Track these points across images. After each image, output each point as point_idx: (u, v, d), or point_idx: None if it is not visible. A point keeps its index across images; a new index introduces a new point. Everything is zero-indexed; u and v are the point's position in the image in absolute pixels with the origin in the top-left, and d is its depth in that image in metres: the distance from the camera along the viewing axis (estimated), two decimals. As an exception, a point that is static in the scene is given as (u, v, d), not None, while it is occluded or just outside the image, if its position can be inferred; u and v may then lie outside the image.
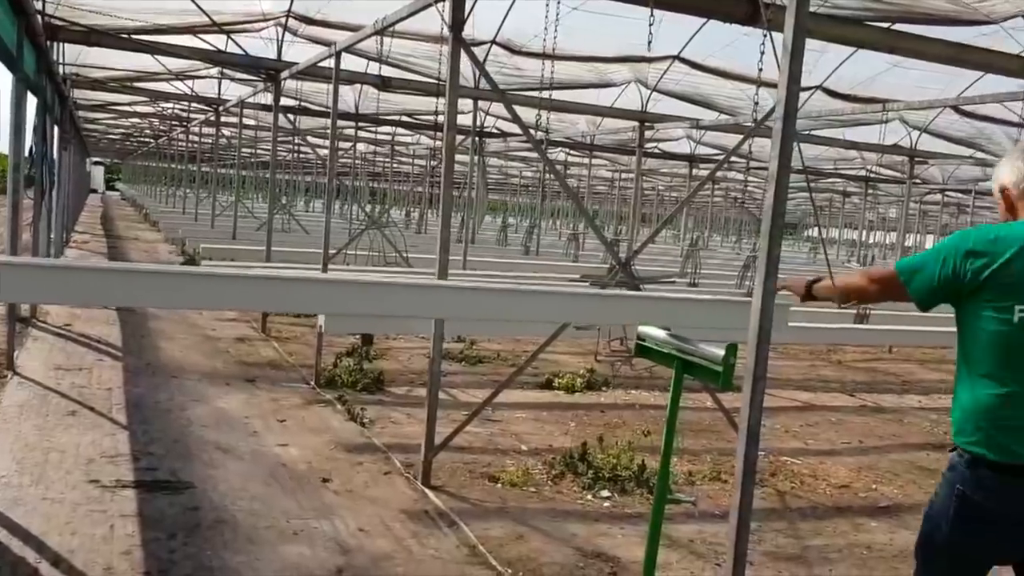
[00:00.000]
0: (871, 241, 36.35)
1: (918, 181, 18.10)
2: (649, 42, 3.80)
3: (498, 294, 3.29)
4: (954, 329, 2.50)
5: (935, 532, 2.44)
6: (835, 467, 6.23)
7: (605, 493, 5.20)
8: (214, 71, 11.86)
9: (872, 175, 18.88)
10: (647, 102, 10.68)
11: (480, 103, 11.53)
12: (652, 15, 3.77)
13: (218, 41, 9.19)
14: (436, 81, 7.45)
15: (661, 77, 10.23)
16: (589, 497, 5.15)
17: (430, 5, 5.06)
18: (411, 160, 25.57)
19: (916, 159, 13.88)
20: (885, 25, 5.78)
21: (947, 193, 21.58)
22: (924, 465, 6.45)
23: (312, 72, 8.30)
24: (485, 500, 4.96)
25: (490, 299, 3.29)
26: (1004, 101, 8.41)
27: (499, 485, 5.22)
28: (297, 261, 9.67)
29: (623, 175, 24.58)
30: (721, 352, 3.24)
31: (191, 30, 8.96)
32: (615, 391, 8.06)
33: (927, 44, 5.57)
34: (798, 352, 11.18)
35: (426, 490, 5.00)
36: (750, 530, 4.66)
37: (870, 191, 22.04)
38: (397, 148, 21.73)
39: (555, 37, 4.53)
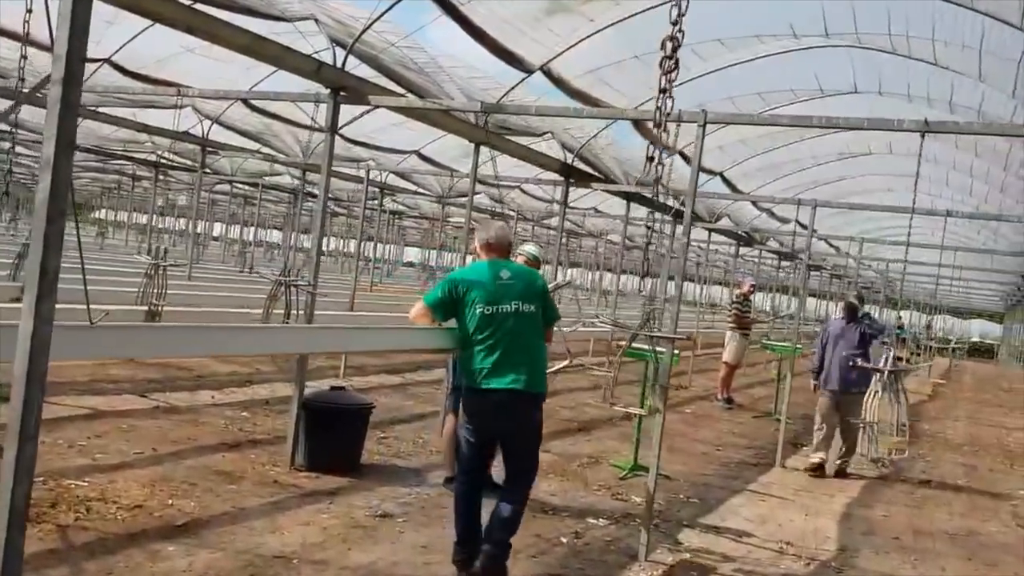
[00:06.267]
0: (162, 227, 36.04)
1: (209, 171, 18.27)
2: None
3: None
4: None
5: (463, 430, 4.80)
6: (127, 484, 5.59)
7: None
8: None
9: (164, 161, 18.41)
10: None
11: None
12: None
13: None
14: None
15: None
16: None
17: None
18: None
19: (208, 148, 13.89)
20: (187, 2, 5.33)
21: (236, 184, 22.32)
22: (221, 469, 6.22)
23: None
24: None
25: None
26: (296, 101, 8.71)
27: None
28: None
29: None
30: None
31: None
32: None
33: (226, 29, 5.28)
34: (84, 350, 10.11)
35: None
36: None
37: (161, 177, 21.60)
38: None
39: None
